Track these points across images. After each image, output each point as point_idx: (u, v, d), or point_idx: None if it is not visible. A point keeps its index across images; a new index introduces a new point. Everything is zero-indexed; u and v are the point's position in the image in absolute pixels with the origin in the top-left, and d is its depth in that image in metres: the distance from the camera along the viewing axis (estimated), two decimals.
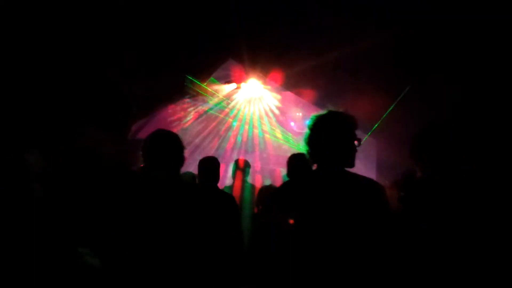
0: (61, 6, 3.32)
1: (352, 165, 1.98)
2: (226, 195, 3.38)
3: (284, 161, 3.47)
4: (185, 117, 7.55)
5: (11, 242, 1.51)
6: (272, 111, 8.06)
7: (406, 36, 3.87)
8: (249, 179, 4.43)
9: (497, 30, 3.28)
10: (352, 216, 1.84)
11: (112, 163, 1.65)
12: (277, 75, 5.78)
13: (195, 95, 7.06)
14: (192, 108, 7.65)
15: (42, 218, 1.55)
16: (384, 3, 3.74)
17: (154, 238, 1.73)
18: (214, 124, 8.17)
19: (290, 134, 8.11)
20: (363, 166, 5.06)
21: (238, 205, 3.41)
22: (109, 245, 1.54)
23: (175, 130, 7.36)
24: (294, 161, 3.31)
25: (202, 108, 7.77)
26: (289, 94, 7.23)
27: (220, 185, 3.56)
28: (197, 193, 2.07)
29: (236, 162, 4.41)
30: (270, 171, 6.29)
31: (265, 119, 8.15)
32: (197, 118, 7.86)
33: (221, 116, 8.11)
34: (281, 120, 8.17)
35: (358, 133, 2.01)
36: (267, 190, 4.21)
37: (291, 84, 6.00)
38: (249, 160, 4.58)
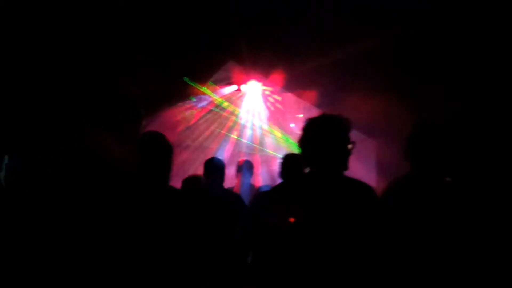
0: (61, 6, 3.32)
1: (345, 168, 1.98)
2: (231, 196, 3.38)
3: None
4: (185, 119, 7.54)
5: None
6: (272, 113, 8.05)
7: (406, 36, 3.86)
8: (251, 180, 4.43)
9: (496, 30, 3.27)
10: (342, 220, 1.84)
11: (115, 165, 1.63)
12: (278, 76, 5.78)
13: (196, 97, 7.06)
14: (193, 110, 7.65)
15: (36, 218, 1.55)
16: (384, 3, 3.74)
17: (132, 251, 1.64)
18: (214, 125, 8.17)
19: (290, 135, 8.11)
20: (363, 168, 5.05)
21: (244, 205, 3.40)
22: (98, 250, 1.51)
23: (176, 132, 7.36)
24: (287, 162, 3.28)
25: (202, 109, 7.76)
26: (289, 96, 7.23)
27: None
28: (179, 200, 1.94)
29: (237, 163, 4.43)
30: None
31: (265, 121, 8.14)
32: (198, 120, 7.86)
33: (222, 117, 8.11)
34: (282, 121, 8.16)
35: (358, 134, 2.01)
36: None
37: (292, 85, 6.00)
38: (250, 161, 4.58)
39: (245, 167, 4.32)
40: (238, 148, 8.13)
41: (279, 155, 7.54)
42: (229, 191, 3.58)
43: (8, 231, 1.71)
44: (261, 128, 8.24)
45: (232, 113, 8.07)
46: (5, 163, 3.11)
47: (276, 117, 8.12)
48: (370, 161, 5.68)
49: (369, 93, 4.44)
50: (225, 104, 7.80)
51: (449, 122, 2.32)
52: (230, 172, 4.73)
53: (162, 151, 1.87)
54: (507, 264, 2.05)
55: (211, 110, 7.87)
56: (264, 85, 7.36)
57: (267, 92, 7.76)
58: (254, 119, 8.15)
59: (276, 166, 3.91)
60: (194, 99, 7.19)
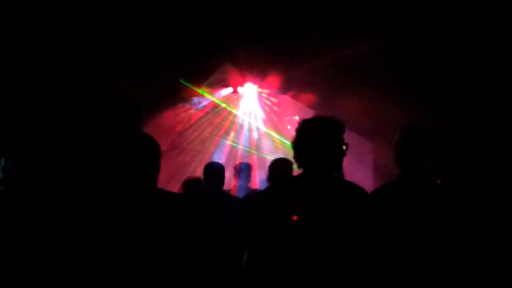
0: (60, 6, 3.32)
1: (339, 169, 1.99)
2: (229, 200, 3.39)
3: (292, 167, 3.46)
4: (182, 121, 7.54)
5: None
6: (268, 115, 8.06)
7: (404, 38, 3.88)
8: (248, 183, 4.42)
9: (495, 35, 3.30)
10: (333, 223, 1.85)
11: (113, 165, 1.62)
12: (274, 78, 5.79)
13: (192, 99, 7.07)
14: (189, 112, 7.65)
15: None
16: (383, 6, 3.75)
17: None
18: (211, 127, 8.17)
19: (286, 137, 8.11)
20: (360, 170, 5.07)
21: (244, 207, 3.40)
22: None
23: (173, 134, 7.34)
24: (275, 166, 3.32)
25: (199, 112, 7.76)
26: (286, 98, 7.24)
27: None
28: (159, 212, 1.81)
29: (234, 166, 4.44)
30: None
31: (262, 123, 8.15)
32: (195, 122, 7.86)
33: (218, 119, 8.11)
34: (278, 123, 8.17)
35: (355, 136, 2.02)
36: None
37: (288, 87, 6.01)
38: (247, 164, 4.58)
39: (242, 170, 4.32)
40: (235, 150, 8.13)
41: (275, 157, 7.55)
42: (226, 196, 3.58)
43: (6, 234, 1.70)
44: (257, 130, 8.25)
45: (229, 115, 8.08)
46: (1, 166, 3.09)
47: (273, 119, 8.13)
48: (367, 163, 5.69)
49: (366, 95, 4.46)
50: (222, 106, 7.80)
51: (436, 126, 2.37)
52: (227, 174, 4.73)
53: (148, 152, 1.84)
54: (493, 262, 2.08)
55: (207, 112, 7.87)
56: (260, 87, 7.38)
57: (263, 95, 7.77)
58: (250, 121, 8.16)
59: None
60: (191, 101, 7.18)
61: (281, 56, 4.86)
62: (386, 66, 4.29)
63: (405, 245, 2.06)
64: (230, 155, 7.96)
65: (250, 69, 5.85)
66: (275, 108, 7.95)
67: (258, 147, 8.22)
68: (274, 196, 2.04)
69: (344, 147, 1.99)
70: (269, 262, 1.92)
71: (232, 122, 8.16)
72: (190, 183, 3.76)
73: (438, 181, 2.20)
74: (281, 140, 8.09)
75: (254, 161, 7.85)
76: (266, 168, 3.49)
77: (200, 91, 6.59)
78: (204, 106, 7.63)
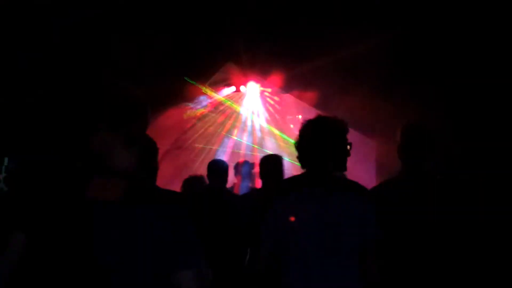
0: (60, 6, 3.33)
1: (344, 169, 2.00)
2: (233, 199, 3.40)
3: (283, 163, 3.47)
4: (185, 120, 7.55)
5: None
6: (271, 114, 8.06)
7: (406, 37, 3.87)
8: (250, 183, 4.43)
9: (495, 33, 3.29)
10: (335, 222, 1.85)
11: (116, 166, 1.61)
12: (276, 77, 5.79)
13: (195, 98, 7.07)
14: (192, 111, 7.66)
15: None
16: (383, 5, 3.75)
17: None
18: (214, 126, 8.18)
19: (289, 136, 8.12)
20: (363, 168, 5.06)
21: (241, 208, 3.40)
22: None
23: (175, 133, 7.33)
24: (266, 163, 3.28)
25: (201, 111, 7.77)
26: (288, 97, 7.24)
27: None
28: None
29: (237, 164, 4.44)
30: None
31: (264, 122, 8.15)
32: (198, 121, 7.87)
33: (221, 118, 8.12)
34: (281, 122, 8.18)
35: (357, 134, 2.02)
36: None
37: (291, 86, 6.01)
38: (249, 162, 4.59)
39: (245, 168, 4.33)
40: (238, 149, 8.14)
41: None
42: (230, 193, 3.59)
43: (7, 233, 1.71)
44: (260, 129, 8.25)
45: (232, 114, 8.09)
46: (5, 165, 3.11)
47: (275, 118, 8.13)
48: (370, 161, 5.68)
49: (368, 93, 4.45)
50: (225, 105, 7.82)
51: (436, 125, 2.39)
52: (230, 173, 4.74)
53: (144, 151, 1.84)
54: (492, 260, 2.08)
55: (211, 111, 7.88)
56: (263, 86, 7.38)
57: (266, 93, 7.77)
58: (253, 120, 8.17)
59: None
60: (193, 100, 7.19)
61: (283, 55, 4.86)
62: (388, 65, 4.28)
63: (407, 241, 2.07)
64: (233, 154, 7.97)
65: (252, 68, 5.85)
66: (277, 106, 7.95)
67: (260, 146, 8.23)
68: (278, 196, 2.04)
69: (348, 147, 1.99)
70: (271, 262, 1.92)
71: (235, 121, 8.17)
72: (191, 182, 3.75)
73: (438, 177, 2.20)
74: (284, 138, 8.09)
75: (257, 160, 7.85)
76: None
77: (203, 88, 6.60)
78: (207, 105, 7.64)
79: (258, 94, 7.72)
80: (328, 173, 1.97)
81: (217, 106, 7.81)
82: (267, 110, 8.05)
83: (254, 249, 2.68)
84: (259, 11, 4.18)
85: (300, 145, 2.02)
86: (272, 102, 7.93)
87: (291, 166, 6.86)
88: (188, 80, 5.73)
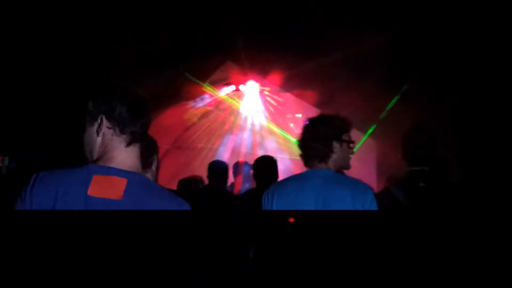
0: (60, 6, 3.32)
1: (347, 167, 2.01)
2: (232, 199, 3.40)
3: (282, 163, 3.48)
4: (185, 119, 7.55)
5: None
6: (271, 113, 8.06)
7: (407, 36, 3.87)
8: (250, 181, 4.43)
9: (495, 33, 3.29)
10: (336, 218, 1.85)
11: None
12: (276, 76, 5.79)
13: (195, 97, 7.07)
14: (192, 111, 7.66)
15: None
16: (383, 5, 3.74)
17: None
18: (214, 126, 8.18)
19: (289, 135, 8.12)
20: (363, 168, 5.06)
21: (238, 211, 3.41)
22: None
23: (175, 133, 7.32)
24: (260, 164, 3.30)
25: (201, 110, 7.77)
26: (288, 95, 7.23)
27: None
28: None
29: (236, 164, 4.44)
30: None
31: (264, 121, 8.15)
32: (197, 121, 7.87)
33: (221, 118, 8.12)
34: (280, 121, 8.17)
35: (358, 134, 2.03)
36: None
37: (291, 85, 6.01)
38: (249, 162, 4.58)
39: (245, 169, 4.33)
40: (238, 147, 8.14)
41: (279, 155, 7.57)
42: (230, 193, 3.60)
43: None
44: (260, 128, 8.25)
45: (231, 114, 8.08)
46: (6, 165, 3.11)
47: (275, 117, 8.12)
48: (371, 161, 5.68)
49: (368, 93, 4.45)
50: (225, 105, 7.81)
51: (437, 125, 2.40)
52: (229, 173, 4.74)
53: (145, 150, 1.84)
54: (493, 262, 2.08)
55: (211, 111, 7.88)
56: (262, 85, 7.37)
57: (265, 92, 7.76)
58: (253, 119, 8.16)
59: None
60: (193, 100, 7.19)
61: (282, 54, 4.86)
62: (388, 64, 4.28)
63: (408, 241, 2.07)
64: (234, 153, 7.97)
65: (252, 67, 5.84)
66: (277, 105, 7.94)
67: (261, 145, 8.22)
68: (282, 191, 2.04)
69: (351, 145, 2.00)
70: (270, 262, 1.92)
71: (236, 119, 8.16)
72: (186, 183, 3.74)
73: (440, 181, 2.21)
74: (284, 137, 8.09)
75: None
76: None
77: (204, 85, 6.59)
78: (207, 105, 7.64)
79: (258, 93, 7.72)
80: (328, 170, 1.97)
81: (217, 105, 7.81)
82: (267, 109, 8.05)
83: (254, 249, 2.68)
84: (258, 9, 4.18)
85: (304, 143, 2.03)
86: (271, 101, 7.92)
87: (291, 164, 6.91)
88: (189, 76, 5.73)
